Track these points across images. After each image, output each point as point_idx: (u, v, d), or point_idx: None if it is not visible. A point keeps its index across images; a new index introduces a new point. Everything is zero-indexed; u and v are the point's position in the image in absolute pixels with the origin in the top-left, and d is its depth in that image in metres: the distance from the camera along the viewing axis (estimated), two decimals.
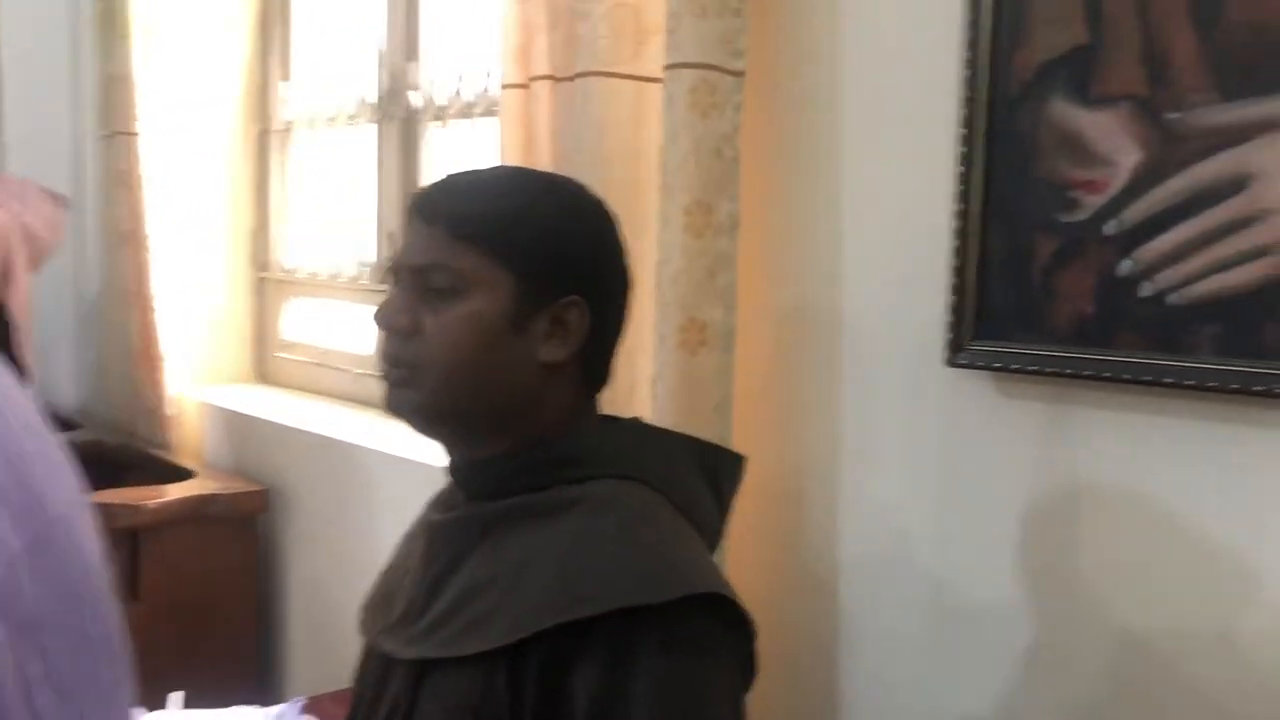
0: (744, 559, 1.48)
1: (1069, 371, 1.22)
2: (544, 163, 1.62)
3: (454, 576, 0.96)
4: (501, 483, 0.98)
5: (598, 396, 1.05)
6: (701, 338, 1.43)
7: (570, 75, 1.57)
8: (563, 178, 1.08)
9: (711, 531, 1.04)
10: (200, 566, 2.29)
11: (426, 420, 0.98)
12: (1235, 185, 1.10)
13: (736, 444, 1.46)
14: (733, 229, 1.45)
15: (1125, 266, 1.18)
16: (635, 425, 1.07)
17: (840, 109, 1.43)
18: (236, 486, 2.37)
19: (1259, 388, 1.09)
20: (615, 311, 1.02)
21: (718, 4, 1.40)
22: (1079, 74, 1.20)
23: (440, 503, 1.08)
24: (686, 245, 1.42)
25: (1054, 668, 1.26)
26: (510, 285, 0.95)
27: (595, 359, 1.01)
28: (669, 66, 1.42)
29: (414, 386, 0.96)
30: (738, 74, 1.43)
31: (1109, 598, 1.21)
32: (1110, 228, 1.18)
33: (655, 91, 1.49)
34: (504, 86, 1.68)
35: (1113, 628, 1.21)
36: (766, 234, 1.51)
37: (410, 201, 1.01)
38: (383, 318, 0.98)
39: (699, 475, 1.04)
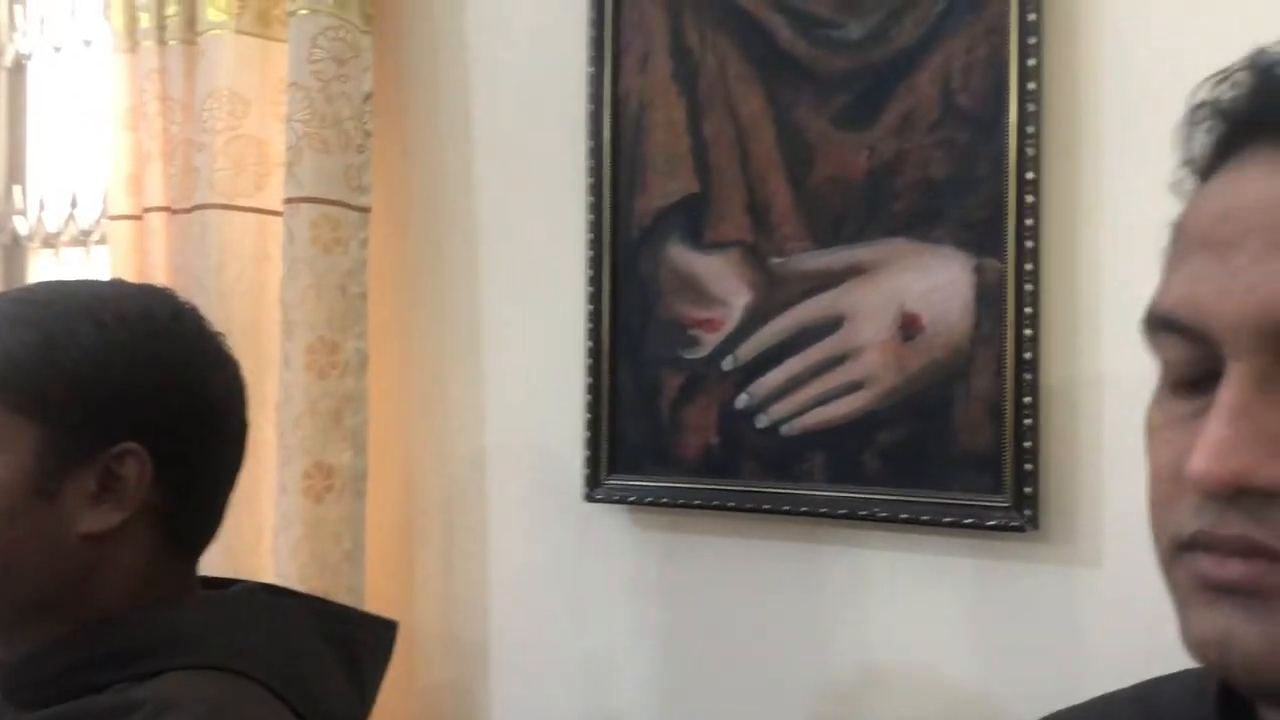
0: None
1: (698, 502, 1.24)
2: None
3: None
4: (48, 686, 0.78)
5: (194, 560, 0.86)
6: (328, 483, 1.35)
7: (188, 207, 1.47)
8: (123, 291, 0.86)
9: None
10: None
11: None
12: (832, 325, 1.18)
13: (370, 597, 1.37)
14: (361, 368, 1.39)
15: (743, 400, 1.23)
16: (241, 595, 0.86)
17: (476, 246, 1.42)
18: None
19: (863, 513, 1.15)
20: (203, 455, 0.83)
21: (340, 139, 1.36)
22: (693, 220, 1.26)
23: None
24: (309, 386, 1.34)
25: None
26: (35, 440, 0.76)
27: (180, 516, 0.82)
28: (288, 201, 1.36)
29: None
30: (363, 209, 1.39)
31: (750, 710, 1.23)
32: (728, 363, 1.24)
33: (280, 225, 1.42)
34: (112, 218, 1.54)
35: None
36: (400, 372, 1.46)
37: None
38: None
39: (327, 651, 0.86)
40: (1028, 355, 1.08)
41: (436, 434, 1.45)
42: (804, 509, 1.18)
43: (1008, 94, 1.08)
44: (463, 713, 1.41)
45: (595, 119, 1.31)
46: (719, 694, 1.25)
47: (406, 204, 1.47)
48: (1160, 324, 0.46)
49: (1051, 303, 1.08)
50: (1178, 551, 0.44)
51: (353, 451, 1.37)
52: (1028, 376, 1.08)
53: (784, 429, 1.20)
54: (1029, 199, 1.07)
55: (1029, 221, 1.07)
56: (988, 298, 1.10)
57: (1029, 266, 1.07)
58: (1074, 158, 1.08)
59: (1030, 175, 1.07)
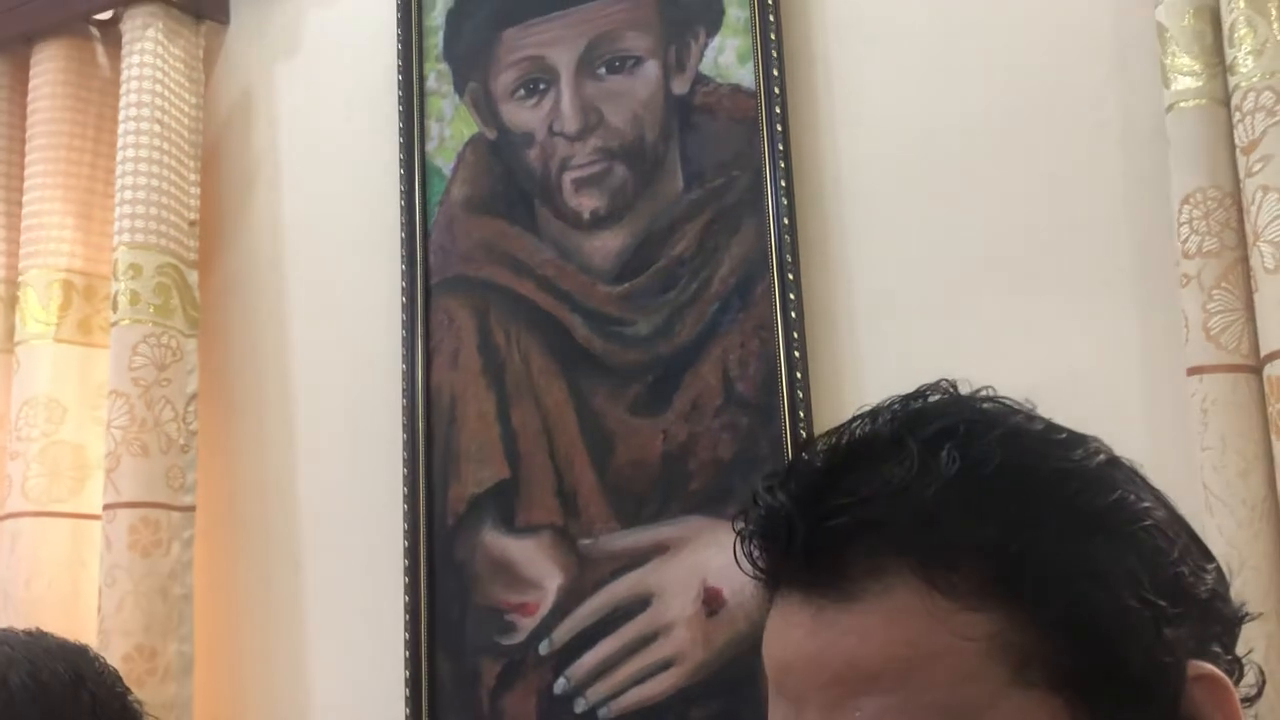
0: None
1: None
2: None
3: None
4: None
5: None
6: None
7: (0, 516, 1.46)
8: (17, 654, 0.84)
9: None
10: None
11: None
12: (641, 603, 1.22)
13: None
14: (184, 672, 1.36)
15: (561, 685, 1.24)
16: None
17: (299, 542, 1.43)
18: None
19: None
20: None
21: (161, 441, 1.39)
22: (505, 506, 1.31)
23: None
24: None
25: None
26: None
27: None
28: (107, 507, 1.36)
29: None
30: (186, 509, 1.40)
31: None
32: (544, 648, 1.26)
33: (96, 529, 1.41)
34: None
35: None
36: (227, 674, 1.43)
37: None
38: None
39: None
40: None
41: None
42: None
43: (779, 382, 1.18)
44: None
45: (409, 412, 1.36)
46: None
47: (232, 501, 1.48)
48: None
49: None
50: None
51: None
52: None
53: (602, 712, 1.22)
54: None
55: None
56: None
57: None
58: None
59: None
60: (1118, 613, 0.47)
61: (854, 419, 0.53)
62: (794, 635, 0.50)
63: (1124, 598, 0.47)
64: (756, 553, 0.52)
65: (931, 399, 0.53)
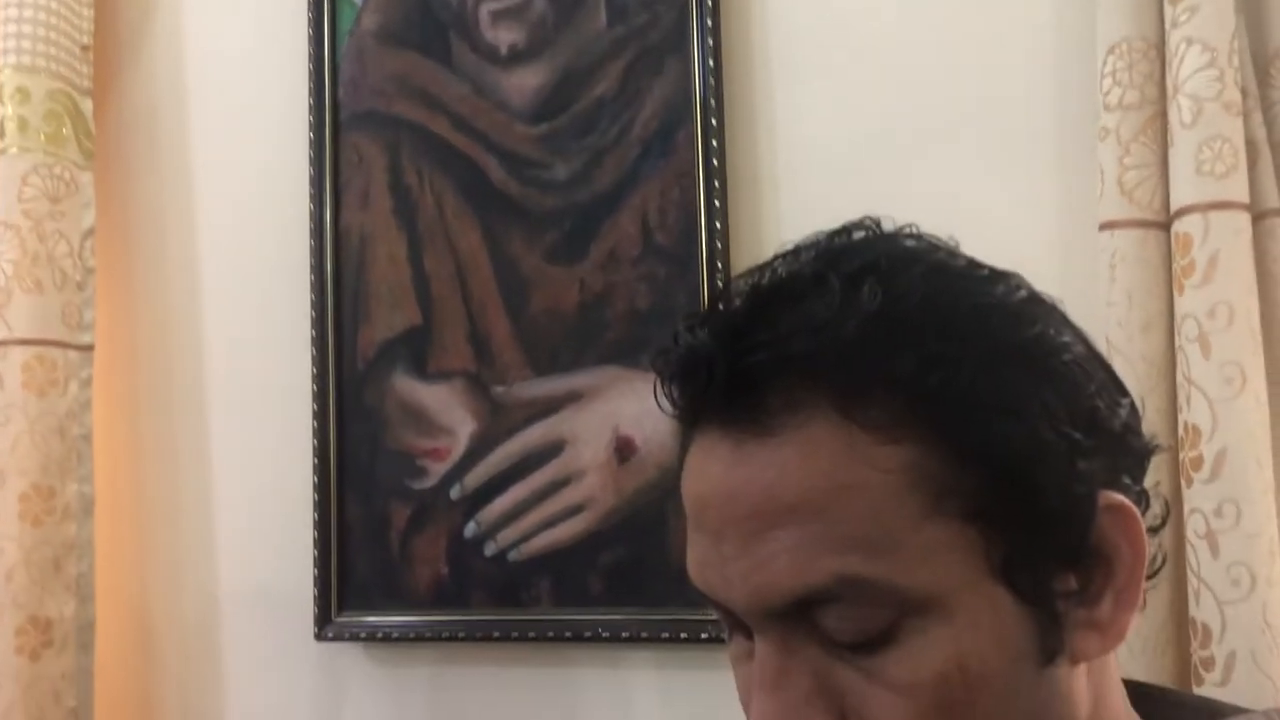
0: None
1: (429, 635, 1.25)
2: None
3: None
4: None
5: None
6: (46, 638, 1.28)
7: None
8: None
9: None
10: None
11: None
12: (553, 450, 1.22)
13: None
14: (85, 512, 1.33)
15: (471, 529, 1.25)
16: None
17: (203, 382, 1.40)
18: None
19: (587, 634, 1.18)
20: None
21: (56, 277, 1.33)
22: (417, 351, 1.29)
23: None
24: (23, 535, 1.28)
25: None
26: None
27: None
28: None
29: None
30: (84, 347, 1.35)
31: None
32: (455, 492, 1.26)
33: None
34: None
35: None
36: (131, 515, 1.41)
37: None
38: None
39: None
40: None
41: (169, 579, 1.40)
42: (531, 634, 1.20)
43: (699, 232, 1.16)
44: None
45: (317, 253, 1.32)
46: None
47: (133, 340, 1.44)
48: (695, 589, 0.52)
49: None
50: None
51: (77, 601, 1.31)
52: None
53: (511, 555, 1.23)
54: None
55: None
56: None
57: None
58: None
59: None
60: (1033, 444, 0.47)
61: (776, 256, 0.51)
62: (713, 470, 0.49)
63: (1040, 430, 0.47)
64: (676, 391, 0.51)
65: (854, 235, 0.52)
